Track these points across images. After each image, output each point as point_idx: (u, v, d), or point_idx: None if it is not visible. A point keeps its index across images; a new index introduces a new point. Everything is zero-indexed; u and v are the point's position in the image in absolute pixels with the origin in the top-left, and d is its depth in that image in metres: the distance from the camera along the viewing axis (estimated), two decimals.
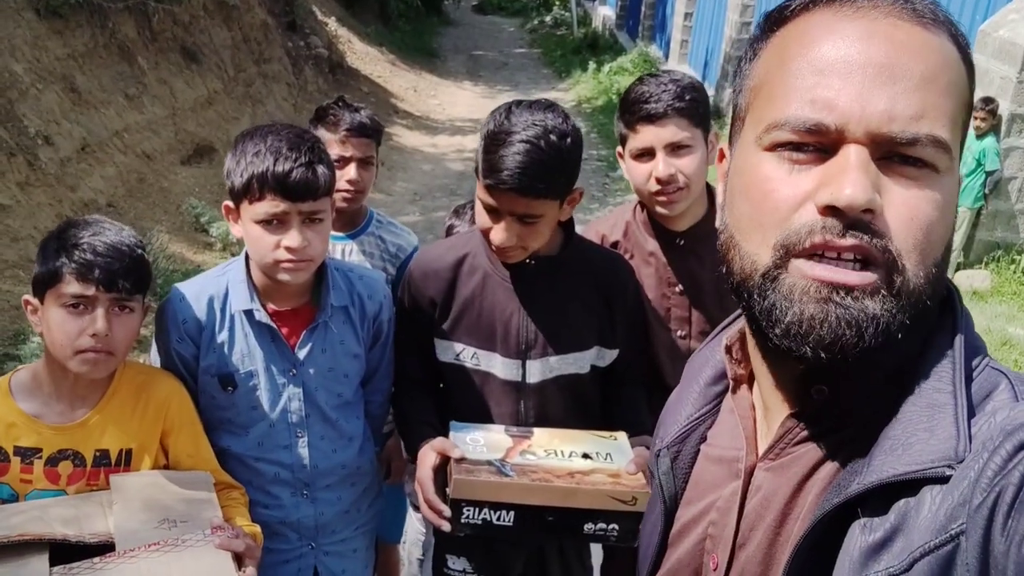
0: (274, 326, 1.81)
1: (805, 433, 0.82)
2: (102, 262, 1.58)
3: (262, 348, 1.81)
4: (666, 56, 13.43)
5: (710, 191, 2.08)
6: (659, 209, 2.00)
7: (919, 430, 0.71)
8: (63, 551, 1.50)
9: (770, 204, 0.77)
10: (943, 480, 0.67)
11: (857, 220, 0.72)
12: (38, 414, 1.67)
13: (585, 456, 1.75)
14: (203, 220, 6.52)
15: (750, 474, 0.88)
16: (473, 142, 10.08)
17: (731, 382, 0.94)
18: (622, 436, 1.85)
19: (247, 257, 1.82)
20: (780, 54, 0.80)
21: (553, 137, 1.68)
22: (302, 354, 1.83)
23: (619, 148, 2.06)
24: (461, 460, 1.69)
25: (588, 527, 1.68)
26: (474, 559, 2.01)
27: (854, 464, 0.75)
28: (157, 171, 6.84)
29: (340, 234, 2.57)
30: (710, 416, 1.00)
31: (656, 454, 1.03)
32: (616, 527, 1.67)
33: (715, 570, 0.90)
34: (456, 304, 1.89)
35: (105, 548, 1.52)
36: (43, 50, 5.94)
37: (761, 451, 0.87)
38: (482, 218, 1.78)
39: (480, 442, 1.75)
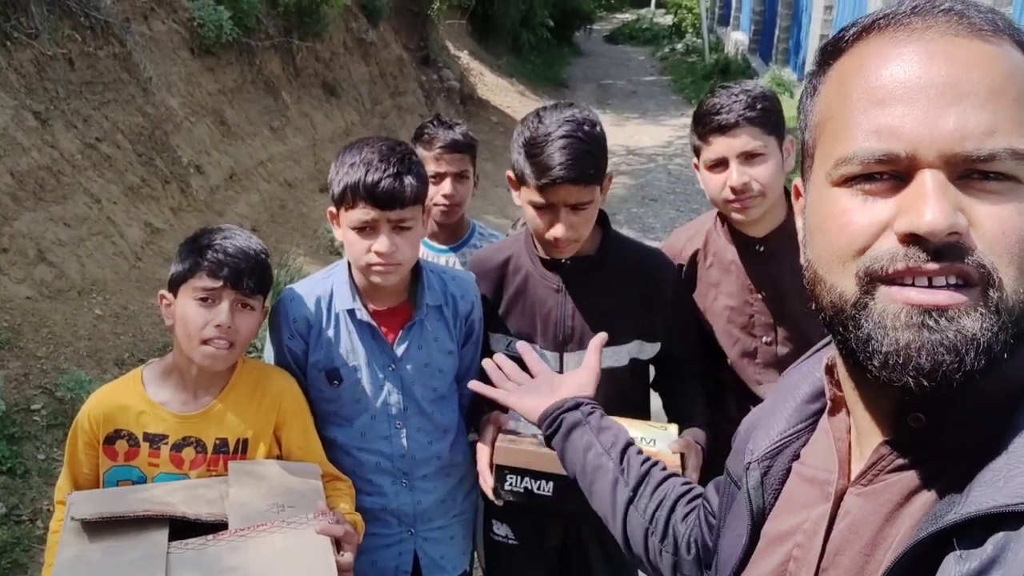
0: (374, 324, 1.93)
1: (900, 461, 0.80)
2: (231, 261, 1.75)
3: (364, 345, 1.93)
4: (800, 78, 13.11)
5: (788, 195, 2.06)
6: (735, 216, 2.02)
7: (1022, 462, 0.69)
8: (182, 528, 1.64)
9: (846, 235, 0.75)
10: None
11: (943, 244, 0.70)
12: (165, 402, 1.82)
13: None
14: (337, 244, 6.85)
15: (840, 498, 0.86)
16: None
17: (829, 403, 0.92)
18: (673, 428, 1.92)
19: (348, 260, 1.94)
20: (840, 87, 0.80)
21: (586, 127, 1.82)
22: (400, 350, 1.94)
23: (694, 160, 2.09)
24: (508, 431, 1.83)
25: None
26: (515, 526, 2.13)
27: (951, 494, 0.72)
28: (297, 198, 7.24)
29: (443, 247, 2.69)
30: (805, 433, 0.98)
31: (746, 467, 1.02)
32: None
33: None
34: (504, 300, 2.04)
35: (219, 527, 1.65)
36: (196, 86, 6.43)
37: (853, 475, 0.86)
38: (535, 222, 1.90)
39: (531, 425, 1.85)
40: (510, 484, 1.81)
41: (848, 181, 0.76)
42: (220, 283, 1.74)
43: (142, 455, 1.80)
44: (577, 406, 1.43)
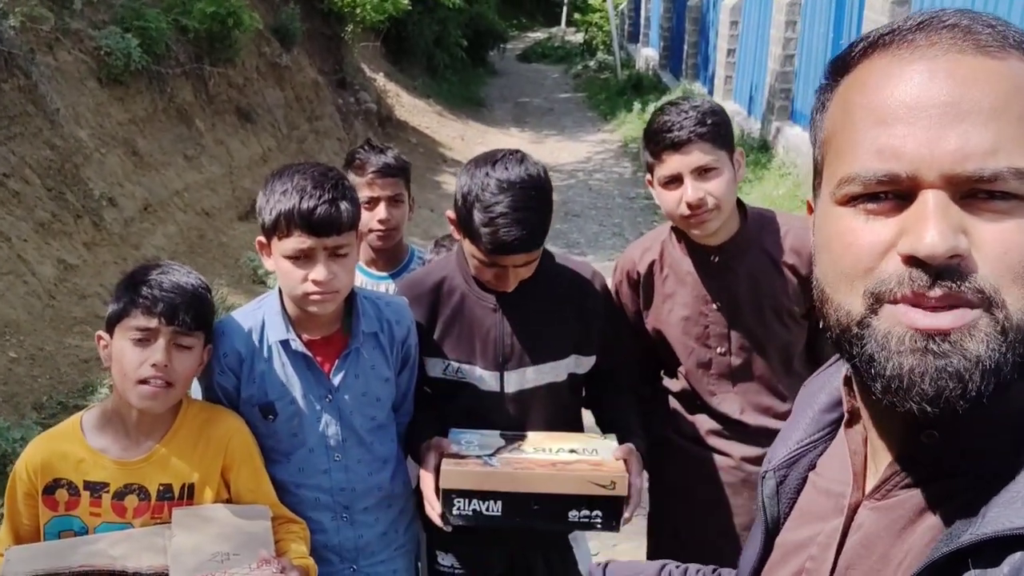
0: (309, 354, 1.90)
1: (912, 477, 0.79)
2: (165, 297, 1.71)
3: (299, 376, 1.90)
4: (711, 92, 13.46)
5: (741, 206, 2.13)
6: (693, 232, 2.06)
7: None
8: None
9: (852, 255, 0.75)
10: None
11: (945, 267, 0.69)
12: (105, 449, 1.77)
13: (572, 451, 1.89)
14: (260, 272, 6.73)
15: (854, 511, 0.85)
16: None
17: (846, 415, 0.91)
18: (612, 437, 1.98)
19: (280, 290, 1.91)
20: (844, 105, 0.79)
21: (534, 193, 1.90)
22: (336, 380, 1.91)
23: (648, 177, 2.13)
24: (451, 455, 1.85)
25: (572, 514, 1.80)
26: (459, 555, 2.13)
27: (966, 514, 0.71)
28: (216, 227, 7.10)
29: (382, 273, 2.67)
30: (822, 443, 0.98)
31: (762, 476, 1.02)
32: (600, 513, 1.79)
33: None
34: (439, 323, 2.04)
35: None
36: (106, 116, 6.26)
37: (868, 489, 0.85)
38: (480, 271, 1.97)
39: (474, 443, 1.91)
40: (458, 508, 1.81)
41: (851, 200, 0.76)
42: (155, 320, 1.70)
43: (83, 504, 1.75)
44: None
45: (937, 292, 0.69)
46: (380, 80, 13.48)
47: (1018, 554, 0.65)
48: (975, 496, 0.72)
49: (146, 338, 1.71)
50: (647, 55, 18.39)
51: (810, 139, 0.88)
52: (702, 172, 1.98)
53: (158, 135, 6.91)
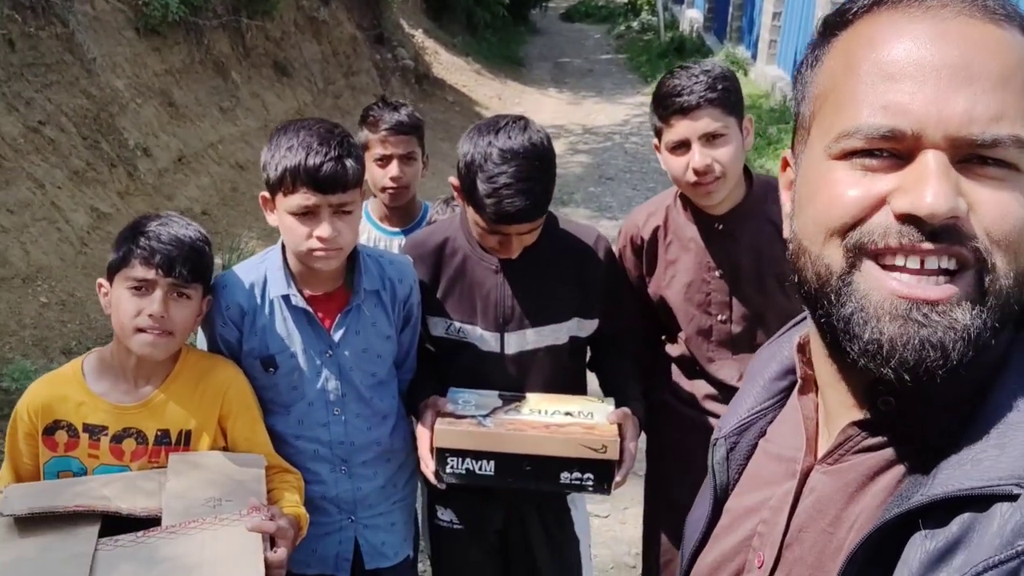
0: (310, 310, 1.92)
1: (867, 441, 0.81)
2: (163, 249, 1.73)
3: (299, 331, 1.92)
4: (754, 56, 13.21)
5: (748, 174, 2.10)
6: (698, 199, 2.04)
7: (990, 446, 0.69)
8: (116, 523, 1.63)
9: (840, 206, 0.74)
10: (1012, 498, 0.65)
11: (943, 227, 0.69)
12: (105, 393, 1.80)
13: (567, 414, 1.90)
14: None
15: (806, 476, 0.87)
16: (556, 148, 10.12)
17: (800, 381, 0.92)
18: (609, 401, 1.98)
19: (283, 245, 1.93)
20: (845, 59, 0.78)
21: (537, 162, 1.88)
22: (337, 336, 1.93)
23: (655, 141, 2.11)
24: (447, 415, 1.87)
25: (564, 476, 1.82)
26: (458, 511, 2.17)
27: (917, 476, 0.73)
28: (249, 181, 7.15)
29: (395, 229, 2.68)
30: (772, 411, 0.99)
31: (713, 443, 1.03)
32: (591, 476, 1.81)
33: (760, 567, 0.89)
34: (442, 283, 2.05)
35: (153, 522, 1.64)
36: (142, 67, 6.31)
37: (820, 454, 0.86)
38: (484, 239, 1.97)
39: (471, 402, 1.93)
40: (451, 467, 1.84)
41: (848, 155, 0.75)
42: (152, 272, 1.73)
43: (82, 446, 1.79)
44: None
45: (931, 245, 0.70)
46: (419, 37, 13.40)
47: (967, 514, 0.67)
48: (926, 460, 0.73)
49: (144, 288, 1.74)
50: (691, 17, 18.03)
51: (795, 95, 0.87)
52: (710, 138, 1.96)
53: (194, 87, 6.95)
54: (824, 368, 0.86)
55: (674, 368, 2.25)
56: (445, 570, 2.26)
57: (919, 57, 0.72)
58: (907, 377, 0.70)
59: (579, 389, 2.15)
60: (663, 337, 2.31)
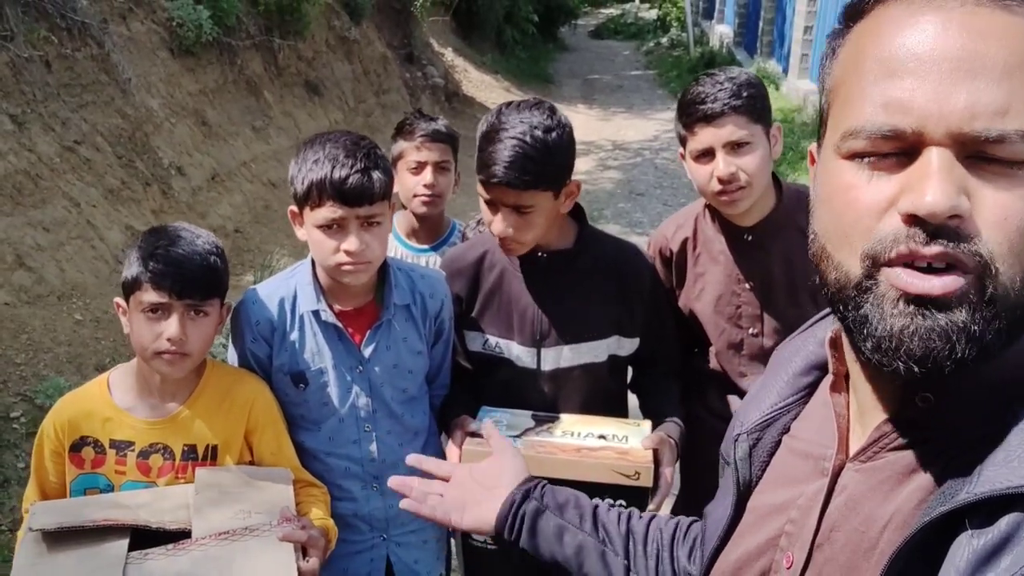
0: (340, 325, 1.89)
1: (902, 439, 0.79)
2: (175, 272, 1.67)
3: (330, 347, 1.89)
4: (785, 71, 13.12)
5: (778, 184, 2.05)
6: (724, 208, 1.99)
7: None
8: (145, 537, 1.61)
9: (852, 214, 0.73)
10: None
11: (943, 227, 0.67)
12: (131, 408, 1.78)
13: (601, 437, 1.83)
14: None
15: (837, 473, 0.85)
16: (586, 164, 10.14)
17: (832, 376, 0.90)
18: (646, 424, 1.92)
19: (313, 260, 1.90)
20: (855, 53, 0.77)
21: (538, 132, 1.78)
22: (367, 352, 1.90)
23: (680, 150, 2.07)
24: (476, 434, 1.81)
25: (595, 501, 1.74)
26: None
27: (958, 474, 0.71)
28: (281, 199, 7.20)
29: (424, 246, 2.66)
30: (797, 406, 0.97)
31: (734, 439, 1.00)
32: (623, 502, 1.73)
33: (789, 568, 0.86)
34: (480, 297, 2.01)
35: (183, 535, 1.62)
36: (176, 86, 6.39)
37: (852, 451, 0.84)
38: (485, 214, 1.89)
39: (503, 422, 1.88)
40: None
41: (854, 156, 0.74)
42: (166, 296, 1.67)
43: (109, 462, 1.77)
44: (527, 494, 1.28)
45: (933, 249, 0.68)
46: (448, 55, 13.48)
47: (1015, 513, 0.65)
48: (965, 458, 0.71)
49: (160, 312, 1.70)
50: (721, 32, 17.98)
51: (818, 87, 0.85)
52: (735, 147, 1.91)
53: (227, 106, 7.03)
54: (856, 365, 0.84)
55: (706, 382, 2.19)
56: None
57: (920, 51, 0.70)
58: (916, 368, 0.69)
59: (619, 411, 2.09)
60: (695, 351, 2.25)
